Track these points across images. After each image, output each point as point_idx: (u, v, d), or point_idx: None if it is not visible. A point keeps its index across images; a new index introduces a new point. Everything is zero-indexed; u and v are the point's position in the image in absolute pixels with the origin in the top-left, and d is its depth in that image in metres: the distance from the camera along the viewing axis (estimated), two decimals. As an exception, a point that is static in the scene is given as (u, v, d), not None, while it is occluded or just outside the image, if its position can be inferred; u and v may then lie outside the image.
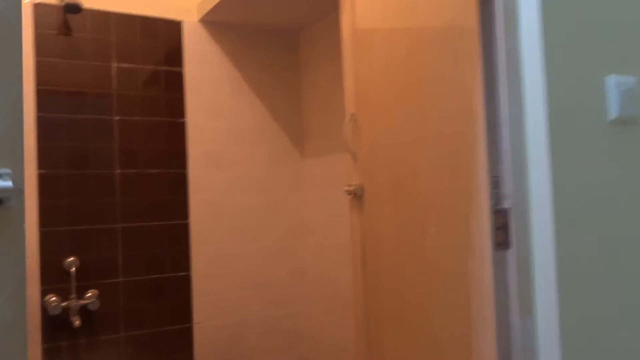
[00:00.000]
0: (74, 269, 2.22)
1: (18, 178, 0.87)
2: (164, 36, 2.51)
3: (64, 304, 2.18)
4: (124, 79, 2.40)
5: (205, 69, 2.60)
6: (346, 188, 1.67)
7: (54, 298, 2.17)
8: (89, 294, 2.24)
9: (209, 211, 2.56)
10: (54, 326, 2.20)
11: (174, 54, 2.52)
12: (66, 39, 2.30)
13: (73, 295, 2.19)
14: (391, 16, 1.59)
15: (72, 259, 2.24)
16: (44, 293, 2.19)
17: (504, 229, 1.23)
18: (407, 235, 1.51)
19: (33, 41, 2.23)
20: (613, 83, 1.26)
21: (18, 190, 0.86)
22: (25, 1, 2.23)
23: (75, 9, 2.24)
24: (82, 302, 2.21)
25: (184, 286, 2.48)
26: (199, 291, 2.51)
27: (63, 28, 2.29)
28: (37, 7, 2.24)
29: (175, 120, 2.51)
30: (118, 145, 2.37)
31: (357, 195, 1.65)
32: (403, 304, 1.54)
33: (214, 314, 2.54)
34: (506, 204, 1.22)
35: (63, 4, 2.22)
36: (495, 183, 1.24)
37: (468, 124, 1.29)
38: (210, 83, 2.61)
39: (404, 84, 1.53)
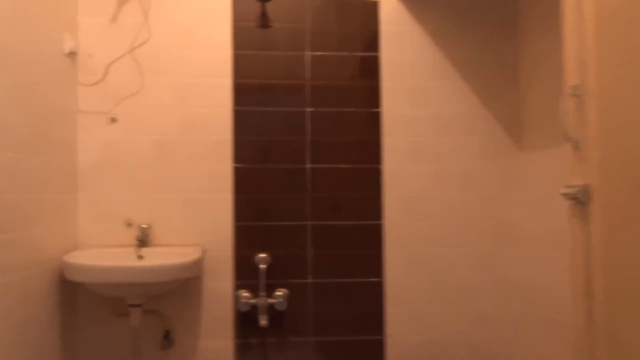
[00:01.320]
0: (264, 265, 2.17)
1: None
2: (360, 19, 2.30)
3: (252, 301, 2.13)
4: (317, 68, 2.27)
5: (404, 52, 2.32)
6: (564, 190, 1.22)
7: (245, 294, 2.14)
8: (279, 293, 2.17)
9: (405, 210, 2.28)
10: (245, 322, 2.18)
11: (369, 38, 2.30)
12: (262, 31, 2.25)
13: (262, 293, 2.14)
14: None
15: (262, 255, 2.19)
16: (237, 287, 2.17)
17: None
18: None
19: (231, 34, 2.24)
20: None
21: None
22: (225, -4, 2.24)
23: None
24: (270, 301, 2.14)
25: (376, 293, 2.25)
26: (392, 300, 2.25)
27: (261, 19, 2.25)
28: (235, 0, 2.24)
29: (370, 110, 2.29)
30: (310, 138, 2.25)
31: (580, 201, 1.19)
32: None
33: (408, 327, 2.25)
34: None
35: (258, -6, 2.18)
36: None
37: None
38: (409, 67, 2.32)
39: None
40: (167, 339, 2.12)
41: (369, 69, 2.29)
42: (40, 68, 1.81)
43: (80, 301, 2.10)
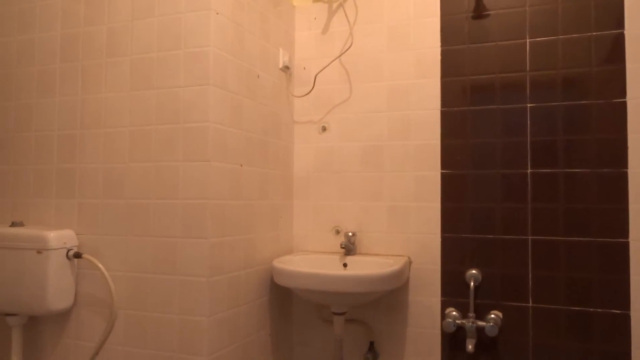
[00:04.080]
0: (473, 283, 1.94)
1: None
2: (597, -10, 1.88)
3: (458, 321, 1.92)
4: (539, 56, 1.93)
5: (661, 24, 1.81)
6: None
7: (454, 313, 1.95)
8: (491, 316, 1.91)
9: (663, 228, 1.77)
10: (453, 344, 1.98)
11: (609, 13, 1.86)
12: (474, 22, 2.02)
13: (471, 314, 1.91)
14: None
15: (473, 271, 1.96)
16: (445, 305, 1.99)
17: None
18: None
19: (440, 30, 2.07)
20: None
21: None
22: (434, -11, 2.08)
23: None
24: (480, 323, 1.90)
25: (620, 329, 1.80)
26: (642, 340, 1.77)
27: (475, 8, 2.03)
28: (444, -8, 2.07)
29: (611, 101, 1.85)
30: (529, 139, 1.93)
31: None
32: None
33: (666, 377, 1.74)
34: None
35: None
36: None
37: None
38: (670, 42, 1.80)
39: None
40: (372, 351, 2.06)
41: (611, 49, 1.85)
42: (263, 83, 1.95)
43: (294, 304, 2.21)
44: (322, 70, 2.21)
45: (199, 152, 1.67)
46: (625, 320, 1.79)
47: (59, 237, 1.75)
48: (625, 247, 1.80)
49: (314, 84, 2.23)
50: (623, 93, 1.83)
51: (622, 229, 1.81)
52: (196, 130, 1.68)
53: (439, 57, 2.06)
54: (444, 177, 2.02)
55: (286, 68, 2.17)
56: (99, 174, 1.80)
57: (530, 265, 1.90)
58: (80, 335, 1.81)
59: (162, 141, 1.71)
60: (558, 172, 1.89)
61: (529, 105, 1.93)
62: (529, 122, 1.93)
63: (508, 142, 1.95)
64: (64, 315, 1.82)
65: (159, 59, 1.72)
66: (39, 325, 1.87)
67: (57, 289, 1.73)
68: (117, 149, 1.77)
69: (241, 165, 1.83)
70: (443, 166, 2.02)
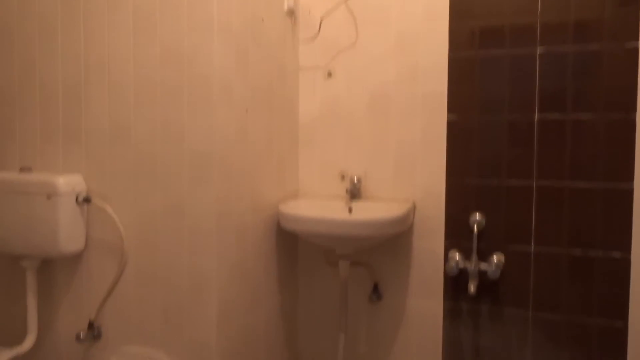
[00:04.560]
0: (477, 228, 1.97)
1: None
2: None
3: (461, 265, 1.96)
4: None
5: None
6: None
7: (456, 256, 1.99)
8: (494, 259, 1.95)
9: (668, 173, 1.78)
10: (455, 286, 2.04)
11: (627, -49, 1.80)
12: (484, -39, 1.96)
13: (474, 257, 1.95)
14: None
15: (477, 215, 1.99)
16: (448, 248, 2.03)
17: None
18: None
19: (449, -29, 2.01)
20: None
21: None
22: None
23: None
24: (482, 267, 1.94)
25: (619, 271, 1.84)
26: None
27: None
28: None
29: (622, 44, 1.81)
30: (538, 85, 1.90)
31: None
32: None
33: (662, 318, 1.80)
34: None
35: None
36: None
37: None
38: (686, -17, 1.75)
39: None
40: (376, 292, 2.12)
41: (624, -9, 1.81)
42: (267, 27, 1.92)
43: (300, 248, 2.25)
44: (327, 14, 2.17)
45: (204, 98, 1.66)
46: (626, 264, 1.83)
47: (68, 183, 1.77)
48: (630, 193, 1.82)
49: (319, 28, 2.18)
50: (636, 36, 1.79)
51: (627, 173, 1.82)
52: (201, 76, 1.66)
53: (447, 0, 2.01)
54: (450, 124, 2.01)
55: (291, 12, 2.13)
56: (105, 122, 1.80)
57: (534, 210, 1.93)
58: (92, 278, 1.86)
59: (167, 88, 1.70)
60: (563, 119, 1.88)
61: (538, 50, 1.90)
62: (537, 68, 1.90)
63: (516, 88, 1.93)
64: (75, 259, 1.87)
65: (161, 3, 1.69)
66: (52, 268, 1.92)
67: (68, 233, 1.77)
68: (122, 98, 1.77)
69: (246, 111, 1.83)
70: (450, 112, 2.01)
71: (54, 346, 1.94)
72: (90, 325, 1.84)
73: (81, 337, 1.81)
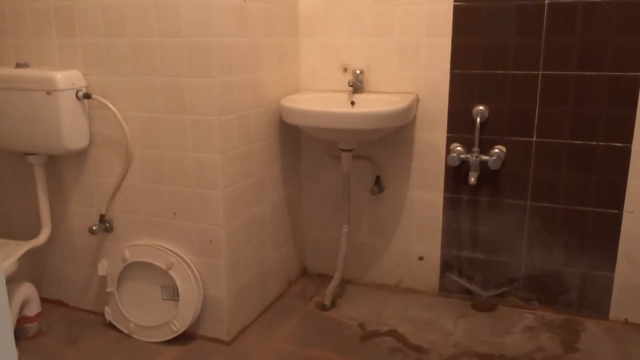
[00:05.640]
0: (480, 119, 1.96)
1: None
2: None
3: (462, 156, 1.98)
4: None
5: None
6: None
7: (458, 147, 2.00)
8: (495, 150, 1.96)
9: (678, 61, 1.74)
10: (456, 177, 2.07)
11: None
12: None
13: (475, 149, 1.96)
14: None
15: (480, 107, 1.97)
16: (450, 141, 2.04)
17: None
18: None
19: None
20: None
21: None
22: None
23: None
24: (483, 158, 1.96)
25: (619, 160, 1.86)
26: (638, 171, 1.84)
27: None
28: None
29: None
30: (551, -35, 1.80)
31: None
32: None
33: (657, 205, 1.84)
34: None
35: None
36: None
37: None
38: None
39: None
40: (378, 184, 2.16)
41: None
42: None
43: (303, 141, 2.27)
44: None
45: (200, -14, 1.59)
46: (627, 153, 1.84)
47: (67, 78, 1.75)
48: (637, 80, 1.78)
49: None
50: None
51: (636, 63, 1.77)
52: (195, -39, 1.58)
53: None
54: (456, 10, 1.93)
55: None
56: (97, 11, 1.73)
57: (538, 101, 1.90)
58: (100, 173, 1.89)
59: (160, -26, 1.63)
60: (577, 2, 1.80)
61: None
62: (551, -53, 1.79)
63: (527, -30, 1.83)
64: (81, 155, 1.89)
65: None
66: (60, 164, 1.95)
67: (71, 129, 1.78)
68: (113, -16, 1.69)
69: (244, 0, 1.76)
70: (456, -2, 1.93)
71: (69, 238, 2.02)
72: (102, 219, 1.91)
73: (94, 230, 1.88)
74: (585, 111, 1.86)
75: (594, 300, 1.99)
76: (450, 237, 2.13)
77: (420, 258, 2.18)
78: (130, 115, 1.78)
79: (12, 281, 1.82)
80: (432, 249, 2.16)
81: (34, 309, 1.89)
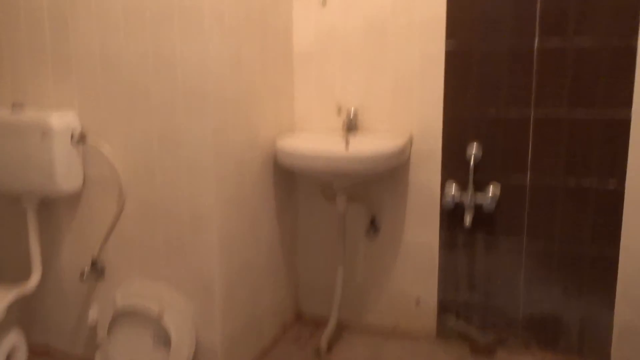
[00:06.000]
0: (473, 159, 1.96)
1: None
2: None
3: (457, 199, 1.97)
4: None
5: None
6: None
7: (453, 187, 1.99)
8: (489, 194, 1.95)
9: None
10: (450, 217, 2.06)
11: None
12: None
13: (470, 189, 1.96)
14: None
15: (474, 147, 1.98)
16: (444, 178, 2.03)
17: None
18: None
19: None
20: None
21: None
22: None
23: None
24: (478, 200, 1.95)
25: (613, 200, 1.86)
26: (633, 210, 1.84)
27: None
28: None
29: (627, -33, 1.75)
30: (540, 5, 1.84)
31: None
32: None
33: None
34: None
35: None
36: None
37: None
38: None
39: None
40: (373, 226, 2.15)
41: None
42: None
43: (298, 183, 2.26)
44: (321, -63, 2.06)
45: (195, 27, 1.61)
46: (620, 194, 1.84)
47: (62, 120, 1.75)
48: (627, 122, 1.80)
49: (312, -47, 2.09)
50: (641, -42, 1.72)
51: (626, 100, 1.79)
52: (192, 6, 1.60)
53: None
54: (448, 52, 1.96)
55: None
56: (95, 53, 1.75)
57: (530, 140, 1.91)
58: (93, 216, 1.87)
59: (157, 16, 1.65)
60: (564, 47, 1.83)
61: (541, -29, 1.83)
62: (539, -8, 1.84)
63: (517, 10, 1.86)
64: (74, 197, 1.87)
65: None
66: (52, 208, 1.92)
67: (64, 171, 1.76)
68: (110, 26, 1.71)
69: (237, 40, 1.78)
70: (448, 39, 1.95)
71: (59, 284, 1.98)
72: (94, 263, 1.87)
73: (85, 276, 1.84)
74: (578, 152, 1.88)
75: (594, 343, 1.96)
76: (447, 278, 2.10)
77: (417, 302, 2.15)
78: (124, 156, 1.78)
79: (-1, 328, 1.77)
80: (428, 291, 2.13)
81: (21, 357, 1.83)
